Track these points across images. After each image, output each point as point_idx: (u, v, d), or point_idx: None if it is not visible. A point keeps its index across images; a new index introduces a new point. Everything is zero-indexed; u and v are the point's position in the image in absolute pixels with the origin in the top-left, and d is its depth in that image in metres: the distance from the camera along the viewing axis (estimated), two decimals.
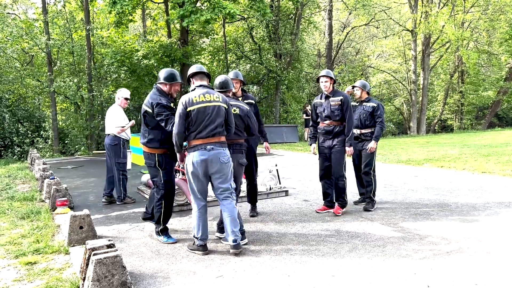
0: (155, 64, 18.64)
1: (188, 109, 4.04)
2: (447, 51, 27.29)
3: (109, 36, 19.35)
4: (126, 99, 6.81)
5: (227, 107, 4.22)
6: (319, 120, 5.63)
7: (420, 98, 26.56)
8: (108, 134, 6.65)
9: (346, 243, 4.38)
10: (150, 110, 4.43)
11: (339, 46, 28.79)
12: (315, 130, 5.75)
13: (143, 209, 6.20)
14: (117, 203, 6.70)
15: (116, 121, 6.58)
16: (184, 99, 4.10)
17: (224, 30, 22.85)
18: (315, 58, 30.04)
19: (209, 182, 4.22)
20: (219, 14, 15.48)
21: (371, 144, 5.73)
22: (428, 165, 9.95)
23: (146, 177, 7.62)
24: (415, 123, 26.41)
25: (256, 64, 24.23)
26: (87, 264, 3.24)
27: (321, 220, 5.30)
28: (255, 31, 24.24)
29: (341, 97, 5.37)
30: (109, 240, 3.45)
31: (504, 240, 4.30)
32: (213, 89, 4.28)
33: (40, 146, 19.64)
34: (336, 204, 5.55)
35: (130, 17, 17.40)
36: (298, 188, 7.60)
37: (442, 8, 25.56)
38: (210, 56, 24.36)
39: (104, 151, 7.12)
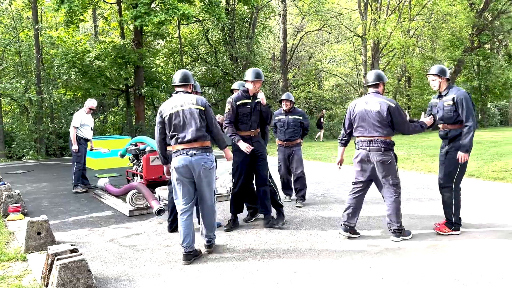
0: (108, 66, 18.19)
1: (163, 116, 4.07)
2: (394, 57, 28.55)
3: (58, 36, 18.65)
4: (90, 108, 8.14)
5: (204, 109, 4.09)
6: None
7: None
8: None
9: (305, 241, 4.56)
10: None
11: (293, 50, 29.33)
12: None
13: (100, 214, 6.13)
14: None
15: (72, 121, 7.88)
16: (161, 107, 4.15)
17: (179, 32, 22.68)
18: (270, 62, 30.44)
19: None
20: (174, 15, 15.37)
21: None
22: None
23: (102, 181, 7.49)
24: None
25: (212, 67, 24.22)
26: (50, 270, 3.21)
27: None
28: (210, 34, 24.23)
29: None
30: (71, 245, 3.42)
31: (449, 235, 4.66)
32: (191, 92, 4.25)
33: None
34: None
35: (81, 17, 16.89)
36: None
37: (390, 15, 26.73)
38: (165, 58, 24.09)
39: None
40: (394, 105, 4.41)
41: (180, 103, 4.05)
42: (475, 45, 27.00)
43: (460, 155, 4.46)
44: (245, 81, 5.05)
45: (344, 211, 4.66)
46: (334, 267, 3.78)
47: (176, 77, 4.26)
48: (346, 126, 4.77)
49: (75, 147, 7.77)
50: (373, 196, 6.82)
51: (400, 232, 4.50)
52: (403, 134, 4.50)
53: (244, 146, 4.74)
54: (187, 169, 3.98)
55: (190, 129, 3.99)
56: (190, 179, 4.04)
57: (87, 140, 8.13)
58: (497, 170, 8.71)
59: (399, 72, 30.91)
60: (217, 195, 6.16)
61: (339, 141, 4.96)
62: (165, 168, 4.34)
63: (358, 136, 4.65)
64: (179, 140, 4.01)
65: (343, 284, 3.39)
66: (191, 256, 4.00)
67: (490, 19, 27.36)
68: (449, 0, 24.61)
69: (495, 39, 29.17)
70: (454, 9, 24.19)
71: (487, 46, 29.41)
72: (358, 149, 4.66)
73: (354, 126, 4.67)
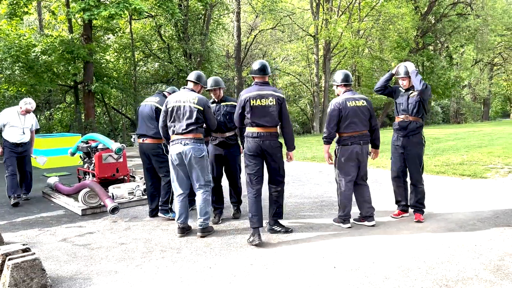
0: (55, 61, 17.48)
1: (167, 106, 4.68)
2: (345, 57, 29.46)
3: (0, 29, 17.67)
4: (26, 110, 6.81)
5: (202, 108, 4.63)
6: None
7: (322, 100, 28.33)
8: None
9: (261, 235, 4.67)
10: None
11: (247, 48, 29.50)
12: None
13: (50, 213, 5.95)
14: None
15: None
16: (167, 99, 4.80)
17: (130, 27, 22.15)
18: (224, 59, 30.43)
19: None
20: (125, 10, 15.02)
21: None
22: (331, 161, 10.76)
23: (52, 180, 7.23)
24: (317, 123, 28.11)
25: (165, 63, 23.88)
26: (1, 270, 3.11)
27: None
28: (163, 30, 23.85)
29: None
30: (23, 245, 3.33)
31: (396, 223, 4.95)
32: (197, 91, 4.83)
33: None
34: None
35: (26, 9, 16.09)
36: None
37: (340, 16, 27.52)
38: (116, 54, 23.46)
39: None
40: (369, 100, 4.92)
41: (183, 99, 4.64)
42: (419, 46, 28.41)
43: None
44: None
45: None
46: (289, 258, 3.92)
47: (192, 74, 4.90)
48: (333, 124, 4.83)
49: None
50: (327, 189, 7.08)
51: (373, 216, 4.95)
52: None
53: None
54: (180, 156, 4.56)
55: (185, 122, 4.55)
56: (183, 167, 4.63)
57: (16, 145, 6.70)
58: (439, 164, 9.27)
59: (350, 71, 31.89)
60: None
61: (326, 140, 4.97)
62: (168, 147, 4.86)
63: (350, 132, 4.81)
64: (175, 131, 4.61)
65: (297, 274, 3.54)
66: (185, 229, 4.75)
67: (433, 22, 28.89)
68: (396, 2, 25.72)
69: (437, 41, 30.83)
70: (401, 11, 25.30)
71: (431, 47, 31.02)
72: (351, 145, 4.82)
73: (346, 123, 4.78)
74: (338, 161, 4.94)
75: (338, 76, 4.95)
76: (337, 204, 5.05)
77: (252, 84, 4.72)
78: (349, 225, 4.87)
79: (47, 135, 14.50)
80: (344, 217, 4.90)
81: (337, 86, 4.96)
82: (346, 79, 4.91)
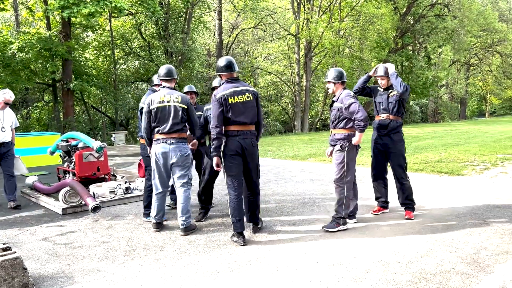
0: (33, 58, 17.13)
1: (151, 107, 4.64)
2: (325, 56, 29.71)
3: None
4: (5, 102, 6.21)
5: (186, 107, 4.69)
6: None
7: (304, 99, 28.52)
8: None
9: (245, 231, 4.70)
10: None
11: (229, 47, 29.47)
12: None
13: (30, 213, 5.85)
14: None
15: None
16: (148, 99, 4.72)
17: (110, 24, 21.87)
18: (205, 58, 30.32)
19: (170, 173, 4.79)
20: (105, 7, 14.84)
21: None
22: (312, 159, 10.90)
23: (31, 179, 7.11)
24: (299, 122, 28.29)
25: (146, 61, 23.67)
26: None
27: (220, 213, 5.58)
28: (144, 27, 23.64)
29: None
30: (4, 244, 3.28)
31: (376, 220, 5.05)
32: (175, 89, 4.84)
33: None
34: None
35: (2, 5, 15.74)
36: (195, 184, 7.77)
37: (321, 16, 27.75)
38: (95, 51, 23.12)
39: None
40: None
41: (167, 99, 4.65)
42: (398, 46, 28.89)
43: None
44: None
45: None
46: (272, 254, 3.96)
47: (162, 71, 4.80)
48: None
49: None
50: (309, 186, 7.16)
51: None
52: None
53: None
54: (165, 156, 4.63)
55: (170, 123, 4.59)
56: (166, 166, 4.68)
57: None
58: (417, 162, 9.47)
59: None
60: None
61: (365, 128, 4.55)
62: (148, 149, 4.89)
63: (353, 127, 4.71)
64: (160, 131, 4.62)
65: (280, 270, 3.58)
66: (160, 225, 4.87)
67: (412, 22, 29.41)
68: (376, 3, 26.07)
69: (416, 42, 31.40)
70: (380, 12, 25.67)
71: (410, 47, 31.57)
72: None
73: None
74: (349, 159, 4.71)
75: (335, 73, 4.79)
76: (339, 203, 4.69)
77: (221, 83, 4.51)
78: (355, 220, 4.97)
79: (25, 133, 14.20)
80: (349, 213, 4.85)
81: (334, 84, 4.81)
82: (342, 76, 4.81)
